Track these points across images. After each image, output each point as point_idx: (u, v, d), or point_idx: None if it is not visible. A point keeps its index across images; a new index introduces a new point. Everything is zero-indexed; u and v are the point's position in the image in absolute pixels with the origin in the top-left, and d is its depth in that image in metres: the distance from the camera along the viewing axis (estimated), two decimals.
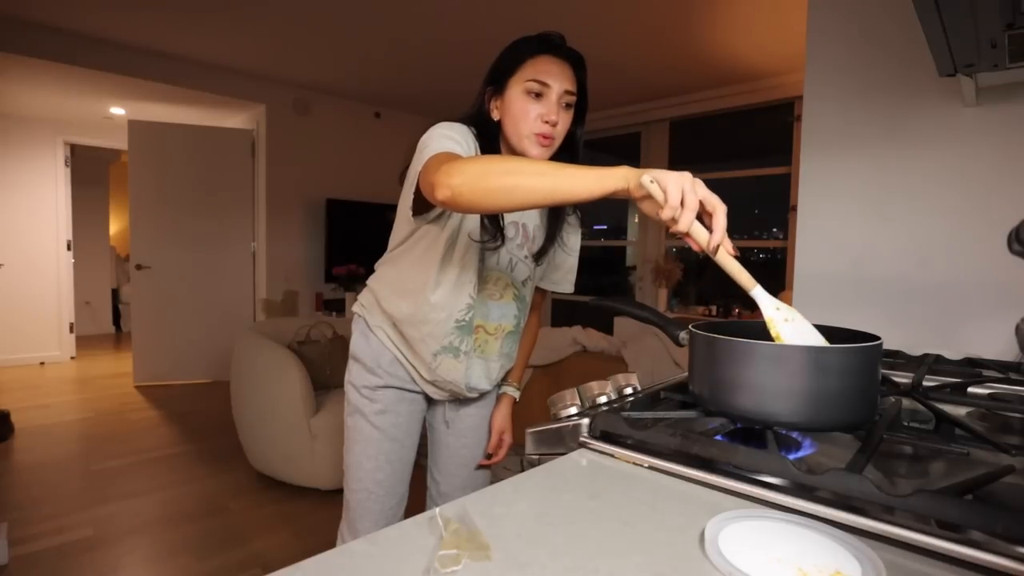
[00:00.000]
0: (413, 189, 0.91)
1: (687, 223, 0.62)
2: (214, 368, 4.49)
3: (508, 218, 1.05)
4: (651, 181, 0.63)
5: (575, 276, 1.23)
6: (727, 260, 0.63)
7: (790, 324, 0.65)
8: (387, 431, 1.09)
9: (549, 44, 0.99)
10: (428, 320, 1.03)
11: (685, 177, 0.62)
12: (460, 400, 1.18)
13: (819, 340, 0.65)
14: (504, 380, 1.25)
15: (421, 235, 1.03)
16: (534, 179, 0.70)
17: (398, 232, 1.08)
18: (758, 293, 0.66)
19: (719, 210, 0.62)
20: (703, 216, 0.64)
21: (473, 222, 1.01)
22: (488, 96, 1.02)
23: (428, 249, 1.02)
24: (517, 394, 1.27)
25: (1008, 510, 0.40)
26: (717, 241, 0.62)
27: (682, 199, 0.61)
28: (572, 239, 1.20)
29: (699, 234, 0.63)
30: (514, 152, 1.01)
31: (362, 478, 1.10)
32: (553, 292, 1.24)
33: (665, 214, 0.62)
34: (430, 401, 1.18)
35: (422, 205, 0.94)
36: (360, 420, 1.10)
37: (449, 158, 0.79)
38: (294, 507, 2.38)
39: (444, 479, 1.24)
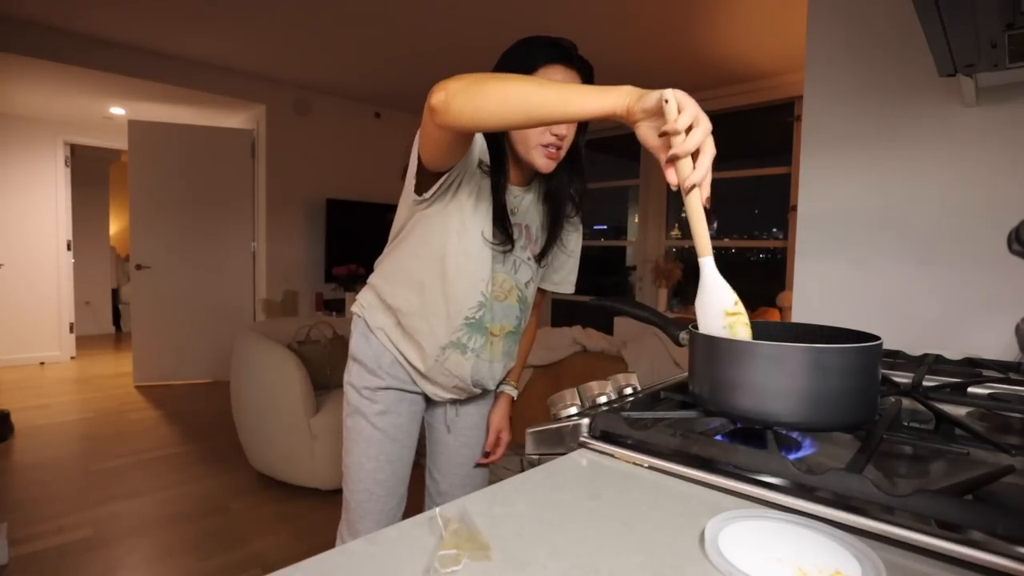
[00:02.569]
0: (415, 160, 0.92)
1: (692, 146, 0.59)
2: (214, 368, 4.49)
3: (512, 220, 1.05)
4: (668, 101, 0.60)
5: (576, 277, 1.23)
6: (696, 209, 0.62)
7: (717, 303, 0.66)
8: (388, 432, 1.09)
9: (563, 53, 0.97)
10: (438, 312, 1.03)
11: (698, 108, 0.61)
12: (460, 400, 1.19)
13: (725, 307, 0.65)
14: (503, 379, 1.25)
15: (417, 220, 1.02)
16: (531, 89, 0.70)
17: (397, 221, 1.08)
18: (706, 263, 0.65)
19: (708, 152, 0.61)
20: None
21: (484, 217, 1.00)
22: None
23: (429, 238, 1.01)
24: (515, 393, 1.27)
25: (1008, 510, 0.40)
26: (697, 179, 0.60)
27: (690, 126, 0.60)
28: (572, 239, 1.20)
29: (684, 168, 0.61)
30: (520, 160, 1.00)
31: (363, 479, 1.10)
32: (553, 292, 1.24)
33: (672, 125, 0.59)
34: (429, 401, 1.18)
35: (423, 180, 0.94)
36: (360, 421, 1.10)
37: None
38: (294, 507, 2.38)
39: (443, 478, 1.24)
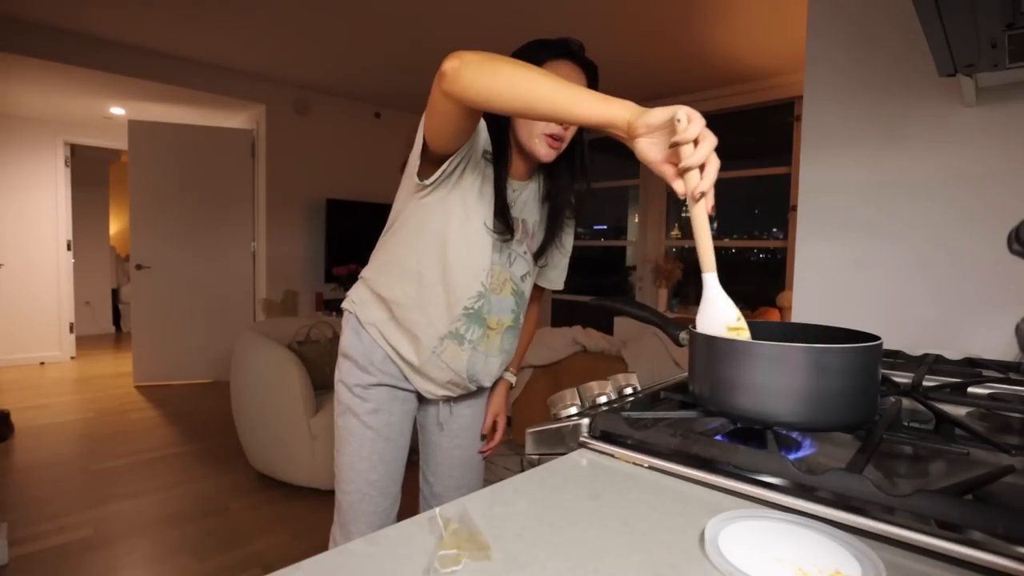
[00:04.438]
0: (419, 144, 0.92)
1: (701, 157, 0.61)
2: (214, 368, 4.49)
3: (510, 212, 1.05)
4: (680, 119, 0.62)
5: (566, 274, 1.26)
6: (702, 220, 0.63)
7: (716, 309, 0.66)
8: (380, 430, 1.08)
9: (569, 50, 0.99)
10: (437, 302, 1.02)
11: (703, 121, 0.62)
12: (453, 399, 1.18)
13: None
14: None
15: (414, 210, 1.01)
16: (542, 81, 0.71)
17: (392, 213, 1.08)
18: (709, 279, 0.66)
19: (713, 163, 0.62)
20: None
21: (487, 206, 1.00)
22: None
23: (427, 226, 1.01)
24: (514, 379, 1.28)
25: (1008, 510, 0.40)
26: (706, 187, 0.62)
27: (701, 131, 0.61)
28: (567, 239, 1.22)
29: (692, 178, 0.63)
30: (522, 149, 1.01)
31: (354, 479, 1.09)
32: (553, 292, 1.25)
33: (683, 136, 0.61)
34: (422, 400, 1.18)
35: (426, 165, 0.94)
36: (352, 420, 1.09)
37: None
38: (294, 507, 2.38)
39: (437, 480, 1.23)
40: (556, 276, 1.24)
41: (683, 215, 4.80)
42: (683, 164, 0.62)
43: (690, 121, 0.61)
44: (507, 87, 0.72)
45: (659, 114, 0.63)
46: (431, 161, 0.94)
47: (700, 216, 0.63)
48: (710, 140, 0.62)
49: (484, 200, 1.00)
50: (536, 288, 1.23)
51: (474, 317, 1.04)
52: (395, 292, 1.05)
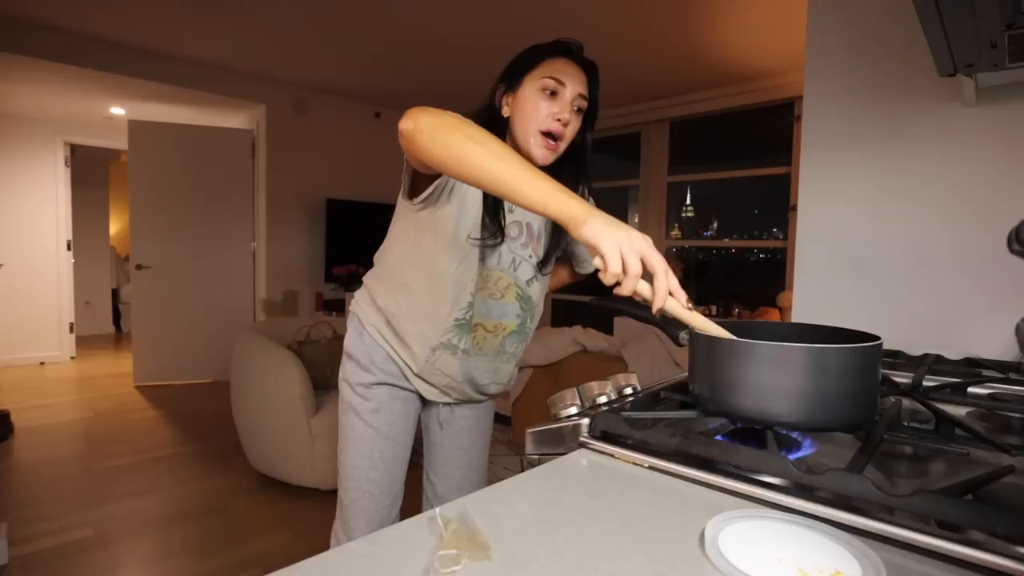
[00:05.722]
0: (406, 162, 0.94)
1: (628, 289, 0.63)
2: (214, 368, 4.49)
3: (511, 217, 1.05)
4: (597, 268, 0.64)
5: None
6: (694, 318, 0.65)
7: None
8: (381, 429, 1.09)
9: (567, 49, 0.99)
10: (427, 315, 1.03)
11: (622, 238, 0.62)
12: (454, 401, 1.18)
13: None
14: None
15: (411, 222, 1.03)
16: (490, 159, 0.69)
17: (394, 218, 1.09)
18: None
19: (659, 271, 0.62)
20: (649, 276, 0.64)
21: (472, 220, 1.00)
22: (500, 93, 1.01)
23: (421, 241, 1.02)
24: None
25: (1008, 510, 0.40)
26: (660, 304, 0.63)
27: (624, 263, 0.61)
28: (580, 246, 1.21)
29: (645, 293, 0.63)
30: (519, 149, 0.99)
31: (356, 476, 1.10)
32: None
33: (606, 280, 0.63)
34: (424, 401, 1.18)
35: (415, 183, 0.96)
36: (354, 418, 1.10)
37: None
38: (294, 507, 2.38)
39: (440, 480, 1.23)
40: (586, 257, 1.23)
41: (683, 215, 4.80)
42: (619, 292, 0.63)
43: (606, 264, 0.61)
44: (455, 160, 0.72)
45: (586, 237, 0.63)
46: (420, 179, 0.95)
47: (680, 315, 0.65)
48: (632, 275, 0.61)
49: (473, 214, 1.00)
50: (565, 271, 1.28)
51: (466, 327, 1.05)
52: (388, 303, 1.07)
